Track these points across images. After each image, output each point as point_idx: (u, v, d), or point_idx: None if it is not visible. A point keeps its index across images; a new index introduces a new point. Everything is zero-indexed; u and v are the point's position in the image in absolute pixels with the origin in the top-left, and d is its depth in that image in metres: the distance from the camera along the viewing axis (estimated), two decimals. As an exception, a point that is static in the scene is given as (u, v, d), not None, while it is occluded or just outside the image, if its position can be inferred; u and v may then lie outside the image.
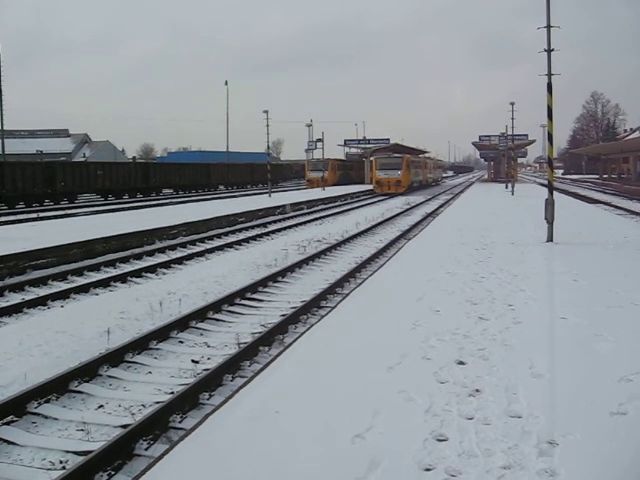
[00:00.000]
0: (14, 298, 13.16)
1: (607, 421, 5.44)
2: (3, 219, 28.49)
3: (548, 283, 11.80)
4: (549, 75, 17.31)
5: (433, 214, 32.77)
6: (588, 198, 45.33)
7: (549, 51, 17.24)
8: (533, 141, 76.58)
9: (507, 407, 5.79)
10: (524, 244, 16.86)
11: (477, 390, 6.24)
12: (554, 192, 18.15)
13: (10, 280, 14.98)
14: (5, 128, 65.29)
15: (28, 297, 13.06)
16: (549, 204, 17.32)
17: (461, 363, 7.10)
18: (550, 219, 17.28)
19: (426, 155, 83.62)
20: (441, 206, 39.44)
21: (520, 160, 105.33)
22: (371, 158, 62.16)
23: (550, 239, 17.13)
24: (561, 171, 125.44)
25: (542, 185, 57.39)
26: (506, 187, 50.66)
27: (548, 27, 17.09)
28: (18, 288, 13.98)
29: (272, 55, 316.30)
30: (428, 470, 4.67)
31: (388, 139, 76.34)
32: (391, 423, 5.46)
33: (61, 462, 6.22)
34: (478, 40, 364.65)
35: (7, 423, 6.93)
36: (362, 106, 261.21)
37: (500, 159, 73.97)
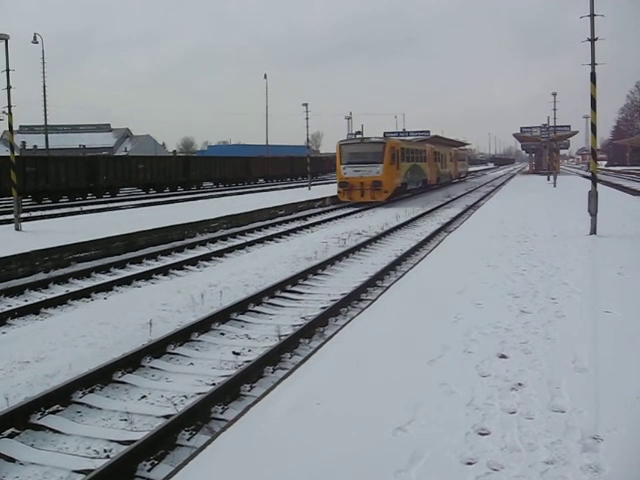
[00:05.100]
0: (59, 290, 13.41)
1: (653, 416, 5.35)
2: (48, 212, 28.94)
3: (592, 276, 11.61)
4: (593, 65, 17.00)
5: (474, 206, 32.46)
6: (632, 190, 44.38)
7: (593, 40, 16.92)
8: (575, 132, 75.12)
9: (550, 401, 5.73)
10: (567, 237, 16.62)
11: (519, 384, 6.19)
12: (597, 184, 17.86)
13: (55, 272, 15.26)
14: (49, 123, 66.44)
15: (72, 289, 13.30)
16: (592, 196, 17.06)
17: (503, 357, 7.05)
18: (593, 211, 17.00)
19: (465, 147, 79.81)
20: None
21: (562, 152, 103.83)
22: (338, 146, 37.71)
23: (593, 232, 16.86)
24: (604, 162, 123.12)
25: (585, 177, 56.45)
26: (548, 179, 49.94)
27: (592, 15, 16.78)
28: (62, 280, 14.23)
29: (312, 48, 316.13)
30: (470, 464, 4.65)
31: (428, 131, 75.32)
32: (432, 416, 5.44)
33: (105, 451, 6.32)
34: (519, 30, 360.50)
35: (53, 412, 7.08)
36: (402, 98, 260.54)
37: (542, 151, 72.90)
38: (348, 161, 35.41)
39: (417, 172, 42.61)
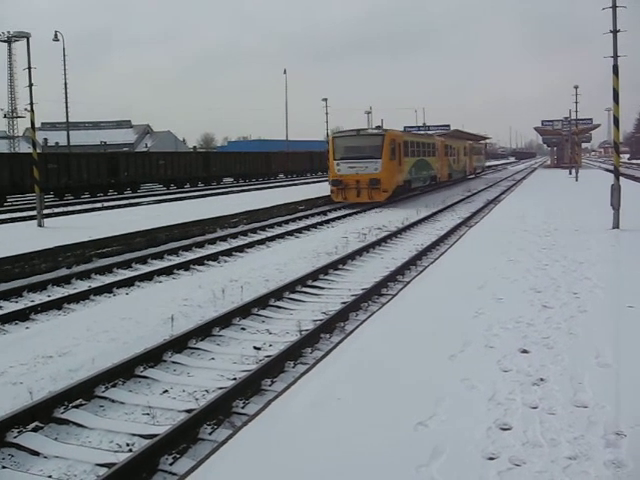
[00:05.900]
0: (81, 286, 13.50)
1: (677, 412, 5.29)
2: (70, 209, 29.17)
3: (614, 271, 11.51)
4: (615, 57, 16.83)
5: (495, 201, 32.25)
6: (656, 183, 43.95)
7: (615, 32, 16.75)
8: (597, 125, 74.20)
9: (572, 397, 5.69)
10: (589, 231, 16.48)
11: (541, 379, 6.16)
12: (620, 177, 17.69)
13: (77, 268, 15.38)
14: (70, 120, 66.86)
15: (94, 284, 13.39)
16: (615, 190, 16.90)
17: (525, 352, 7.01)
18: (616, 205, 16.84)
19: (484, 141, 78.53)
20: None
21: (584, 145, 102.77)
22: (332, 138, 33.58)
23: (616, 226, 16.71)
24: (627, 156, 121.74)
25: (607, 171, 55.89)
26: (570, 173, 49.52)
27: (614, 7, 16.61)
28: (85, 276, 14.34)
29: (330, 44, 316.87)
30: (492, 459, 4.63)
31: (448, 125, 74.77)
32: (454, 411, 5.43)
33: (128, 444, 6.37)
34: (536, 23, 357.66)
35: (76, 406, 7.14)
36: (422, 92, 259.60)
37: (563, 144, 72.24)
38: (342, 156, 30.78)
39: (424, 168, 37.93)
